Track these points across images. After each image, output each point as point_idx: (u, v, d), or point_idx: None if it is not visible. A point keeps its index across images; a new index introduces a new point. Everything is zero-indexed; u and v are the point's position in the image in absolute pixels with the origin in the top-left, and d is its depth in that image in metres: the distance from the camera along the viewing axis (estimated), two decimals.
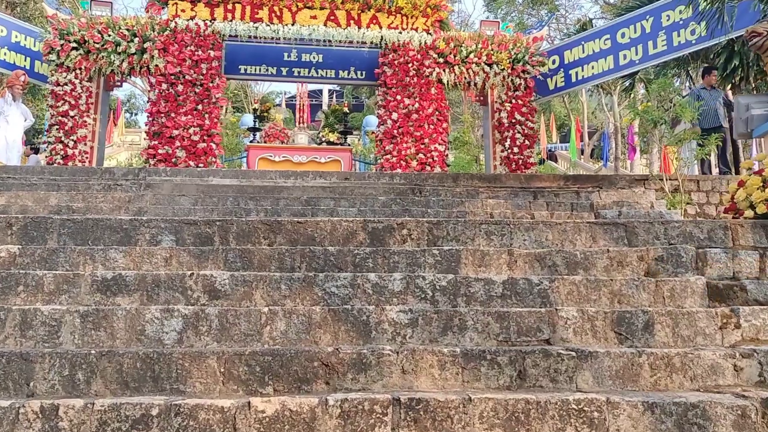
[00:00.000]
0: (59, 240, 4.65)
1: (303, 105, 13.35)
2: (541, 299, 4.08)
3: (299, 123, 13.20)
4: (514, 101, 12.17)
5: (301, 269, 4.35)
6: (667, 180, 9.42)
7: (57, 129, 11.13)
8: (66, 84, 11.24)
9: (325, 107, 33.20)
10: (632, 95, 15.44)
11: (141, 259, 4.32)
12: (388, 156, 11.72)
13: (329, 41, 12.16)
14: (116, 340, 3.56)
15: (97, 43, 11.28)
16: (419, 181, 9.46)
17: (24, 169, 8.89)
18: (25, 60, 11.71)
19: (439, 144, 11.85)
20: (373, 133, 21.66)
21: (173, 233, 4.72)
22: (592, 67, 12.14)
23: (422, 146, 11.74)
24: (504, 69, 12.09)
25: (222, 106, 11.77)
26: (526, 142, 12.07)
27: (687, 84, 14.80)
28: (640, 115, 9.46)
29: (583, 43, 12.32)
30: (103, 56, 11.32)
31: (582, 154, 24.75)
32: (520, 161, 11.96)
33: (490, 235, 4.91)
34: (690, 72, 12.88)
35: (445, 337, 3.68)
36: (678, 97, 9.78)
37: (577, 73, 12.35)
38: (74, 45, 11.27)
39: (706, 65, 11.48)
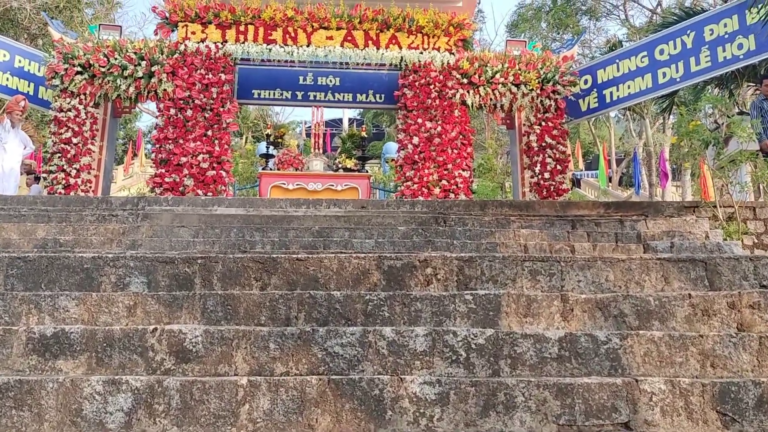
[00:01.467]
0: (5, 283, 3.75)
1: (319, 130, 12.53)
2: (610, 363, 3.06)
3: (314, 149, 12.33)
4: (543, 123, 11.20)
5: (298, 321, 3.39)
6: (719, 207, 8.35)
7: (59, 157, 10.39)
8: (69, 110, 10.52)
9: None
10: (668, 117, 14.38)
11: (98, 308, 3.39)
12: (409, 183, 10.78)
13: (346, 63, 11.36)
14: (44, 424, 2.61)
15: (103, 67, 10.58)
16: (443, 209, 8.49)
17: (15, 199, 8.09)
18: (29, 85, 11.05)
19: (464, 170, 10.90)
20: (393, 160, 20.83)
21: (144, 274, 3.79)
22: (628, 87, 11.14)
23: (445, 172, 10.79)
24: (533, 89, 11.15)
25: (232, 132, 10.94)
26: (558, 166, 11.06)
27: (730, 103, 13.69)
28: (688, 135, 8.41)
29: (617, 61, 11.35)
30: (108, 80, 10.60)
31: (610, 181, 23.60)
32: (552, 187, 10.94)
33: (536, 275, 3.91)
34: (733, 91, 11.81)
35: (487, 419, 2.67)
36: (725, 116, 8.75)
37: (611, 93, 11.36)
38: (79, 69, 10.58)
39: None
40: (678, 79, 10.58)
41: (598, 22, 24.50)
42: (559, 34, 24.54)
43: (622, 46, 16.14)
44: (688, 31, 10.46)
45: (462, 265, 3.91)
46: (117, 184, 25.42)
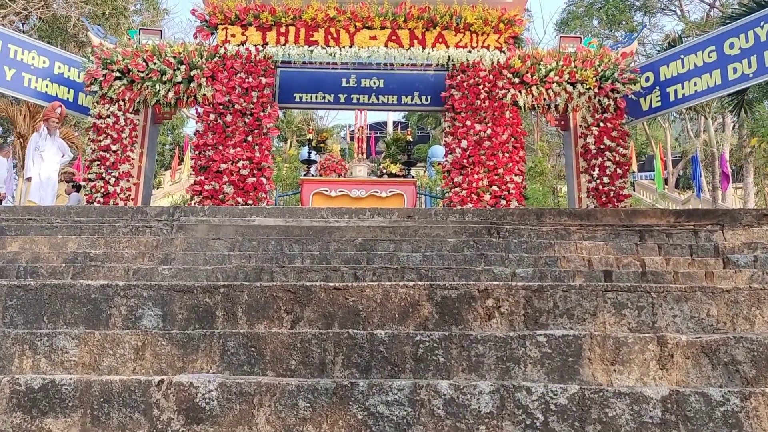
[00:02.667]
0: (3, 316, 3.27)
1: (362, 134, 11.98)
2: (729, 431, 2.37)
3: (358, 153, 11.78)
4: (602, 124, 10.39)
5: (335, 367, 2.79)
6: None
7: (98, 165, 10.10)
8: (108, 116, 10.23)
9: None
10: (736, 116, 13.32)
11: (101, 349, 2.87)
12: (457, 189, 10.12)
13: (391, 64, 10.78)
14: None
15: (142, 72, 10.25)
16: (496, 218, 7.81)
17: (48, 210, 7.75)
18: (69, 92, 10.81)
19: (516, 174, 10.17)
20: (439, 164, 20.08)
21: (159, 306, 3.25)
22: (694, 84, 10.24)
23: (496, 177, 10.09)
24: (590, 88, 10.36)
25: (276, 136, 10.47)
26: (618, 170, 10.23)
27: None
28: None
29: (682, 56, 10.45)
30: (147, 86, 10.27)
31: (666, 183, 22.40)
32: (611, 193, 10.12)
33: (621, 309, 3.22)
34: None
35: None
36: None
37: (675, 91, 10.47)
38: (117, 74, 10.28)
39: None
40: (750, 75, 9.63)
41: (653, 17, 23.33)
42: (611, 31, 23.43)
43: (682, 42, 15.14)
44: (762, 23, 9.51)
45: (530, 296, 3.26)
46: (164, 189, 25.42)
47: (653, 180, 23.25)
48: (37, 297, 3.28)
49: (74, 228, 7.35)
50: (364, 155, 11.89)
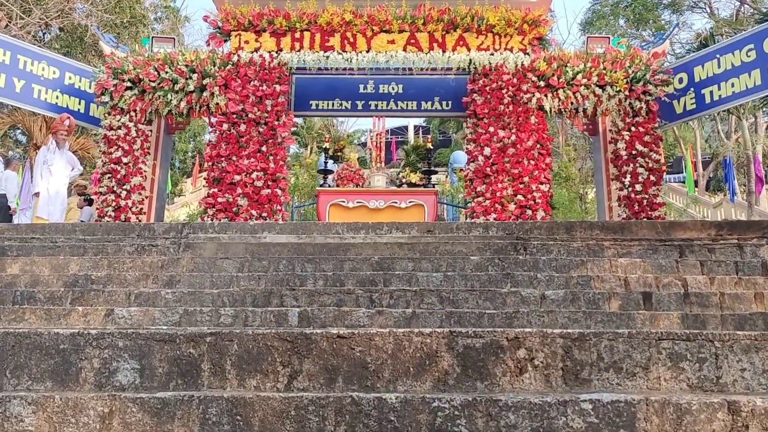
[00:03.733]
0: None
1: (381, 142, 11.49)
2: None
3: (376, 162, 11.30)
4: (633, 129, 9.79)
5: None
6: None
7: (109, 178, 9.77)
8: (119, 127, 9.90)
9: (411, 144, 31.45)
10: None
11: (62, 417, 2.42)
12: (480, 199, 9.58)
13: (410, 69, 10.29)
14: None
15: (153, 82, 9.90)
16: (522, 232, 7.27)
17: (52, 228, 7.41)
18: (80, 103, 10.51)
19: (542, 183, 9.61)
20: (461, 170, 19.46)
21: (137, 357, 2.80)
22: (732, 85, 9.59)
23: (521, 186, 9.54)
24: (620, 91, 9.76)
25: (295, 143, 10.05)
26: (651, 177, 9.61)
27: None
28: None
29: (718, 56, 9.81)
30: (159, 95, 9.92)
31: (696, 186, 21.58)
32: (644, 201, 9.50)
33: (679, 361, 2.69)
34: None
35: None
36: None
37: (711, 92, 9.82)
38: (128, 84, 9.95)
39: None
40: None
41: (681, 15, 22.50)
42: (638, 30, 22.62)
43: (713, 41, 14.43)
44: None
45: (569, 345, 2.74)
46: (185, 197, 25.21)
47: (683, 183, 22.45)
48: (0, 347, 2.85)
49: (78, 248, 6.98)
50: (383, 164, 11.41)
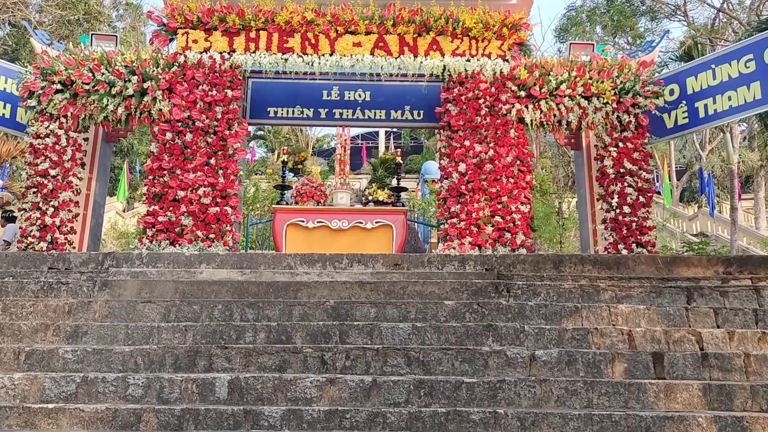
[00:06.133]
0: None
1: (345, 156, 10.35)
2: None
3: (339, 176, 10.15)
4: (621, 144, 8.81)
5: None
6: None
7: (34, 192, 8.47)
8: (47, 135, 8.61)
9: (382, 150, 30.32)
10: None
11: None
12: (455, 220, 8.51)
13: (378, 74, 9.20)
14: None
15: (87, 84, 8.63)
16: (503, 267, 6.20)
17: None
18: (5, 107, 9.18)
19: (522, 203, 8.57)
20: (434, 181, 18.33)
21: None
22: (729, 99, 8.68)
23: (499, 206, 8.49)
24: (607, 103, 8.79)
25: (244, 159, 8.86)
26: (641, 198, 8.65)
27: None
28: None
29: (713, 66, 8.89)
30: (93, 100, 8.64)
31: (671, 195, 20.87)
32: (634, 225, 8.52)
33: None
34: None
35: None
36: None
37: (706, 106, 8.90)
38: (59, 87, 8.67)
39: None
40: None
41: (660, 23, 21.74)
42: (615, 38, 21.81)
43: (697, 49, 13.62)
44: None
45: None
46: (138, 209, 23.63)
47: (658, 194, 21.73)
48: None
49: None
50: (347, 179, 10.26)
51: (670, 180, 21.91)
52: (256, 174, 23.42)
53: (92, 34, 9.77)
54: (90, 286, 5.66)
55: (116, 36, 9.90)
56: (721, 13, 20.76)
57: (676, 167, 24.21)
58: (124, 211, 21.63)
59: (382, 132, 29.61)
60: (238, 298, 5.51)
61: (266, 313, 5.24)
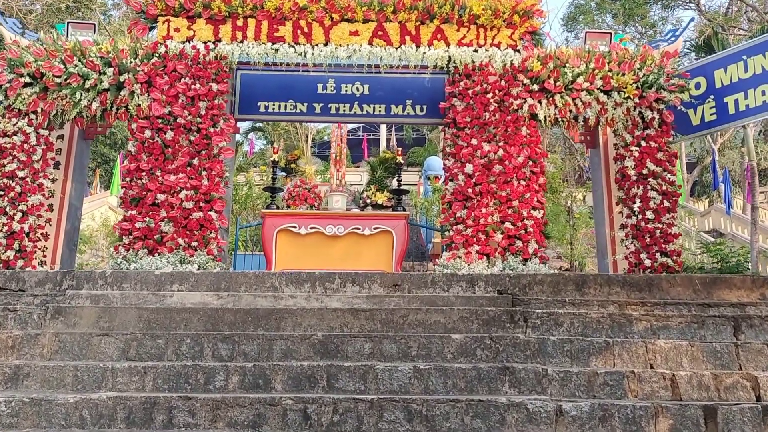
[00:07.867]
0: None
1: (341, 154, 9.51)
2: None
3: (335, 176, 9.31)
4: (644, 143, 7.95)
5: None
6: None
7: (0, 197, 7.66)
8: (15, 133, 7.77)
9: (383, 142, 29.41)
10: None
11: None
12: (460, 226, 7.68)
13: (377, 66, 8.34)
14: None
15: (58, 77, 7.79)
16: (518, 288, 5.37)
17: None
18: None
19: (534, 208, 7.74)
20: (437, 178, 17.33)
21: None
22: (763, 93, 7.82)
23: (510, 211, 7.66)
24: (629, 98, 7.93)
25: (226, 159, 8.02)
26: (665, 203, 7.79)
27: None
28: None
29: (744, 57, 8.02)
30: (65, 94, 7.81)
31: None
32: (658, 233, 7.67)
33: None
34: None
35: None
36: None
37: (737, 101, 8.04)
38: (27, 80, 7.83)
39: None
40: None
41: (673, 11, 20.71)
42: (625, 27, 20.82)
43: (718, 39, 12.69)
44: None
45: None
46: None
47: None
48: None
49: None
50: (343, 180, 9.40)
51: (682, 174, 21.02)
52: (255, 167, 22.58)
53: (68, 22, 8.90)
54: (42, 313, 4.85)
55: (94, 24, 9.04)
56: (734, 1, 19.78)
57: (687, 160, 23.30)
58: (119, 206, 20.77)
59: (383, 126, 28.67)
60: (212, 329, 4.69)
61: (242, 348, 4.42)
